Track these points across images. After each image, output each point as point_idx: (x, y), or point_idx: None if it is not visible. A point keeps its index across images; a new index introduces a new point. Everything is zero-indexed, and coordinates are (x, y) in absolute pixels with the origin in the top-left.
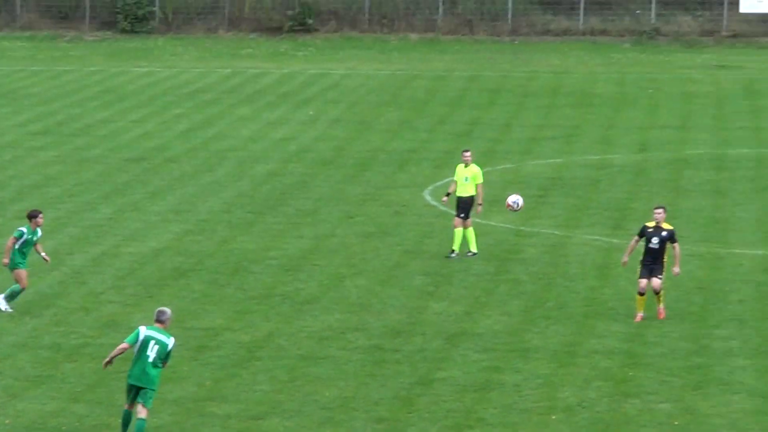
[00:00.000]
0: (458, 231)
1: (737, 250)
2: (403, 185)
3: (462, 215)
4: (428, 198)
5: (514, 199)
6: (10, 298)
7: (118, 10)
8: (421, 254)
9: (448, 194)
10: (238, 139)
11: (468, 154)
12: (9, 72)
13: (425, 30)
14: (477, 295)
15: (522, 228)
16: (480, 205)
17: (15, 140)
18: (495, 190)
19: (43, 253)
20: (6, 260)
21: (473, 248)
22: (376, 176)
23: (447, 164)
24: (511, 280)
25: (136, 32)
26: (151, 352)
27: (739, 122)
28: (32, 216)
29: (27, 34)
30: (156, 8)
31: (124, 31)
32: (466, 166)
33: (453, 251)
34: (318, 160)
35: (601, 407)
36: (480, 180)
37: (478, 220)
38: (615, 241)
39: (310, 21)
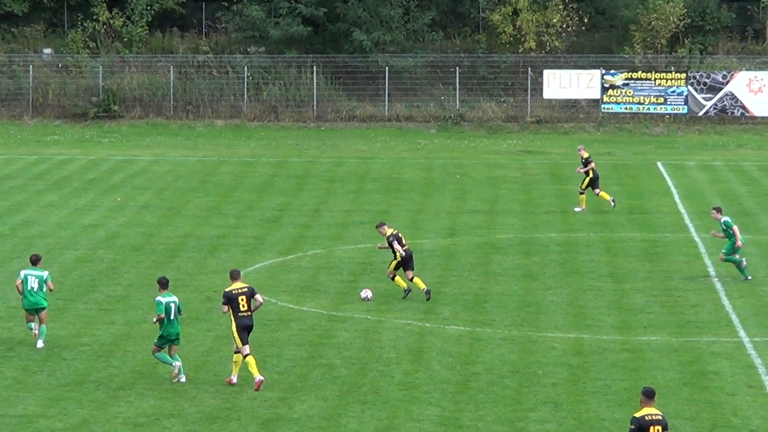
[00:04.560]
0: None
1: (549, 334)
2: (213, 271)
3: None
4: None
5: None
6: None
7: None
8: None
9: None
10: (46, 225)
11: None
12: None
13: (231, 116)
14: (291, 381)
15: (334, 313)
16: None
17: None
18: (305, 275)
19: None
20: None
21: None
22: (186, 262)
23: (257, 250)
24: (325, 364)
25: None
26: None
27: (547, 207)
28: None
29: None
30: None
31: None
32: None
33: None
34: (127, 246)
35: None
36: None
37: (290, 305)
38: (428, 325)
39: (116, 107)
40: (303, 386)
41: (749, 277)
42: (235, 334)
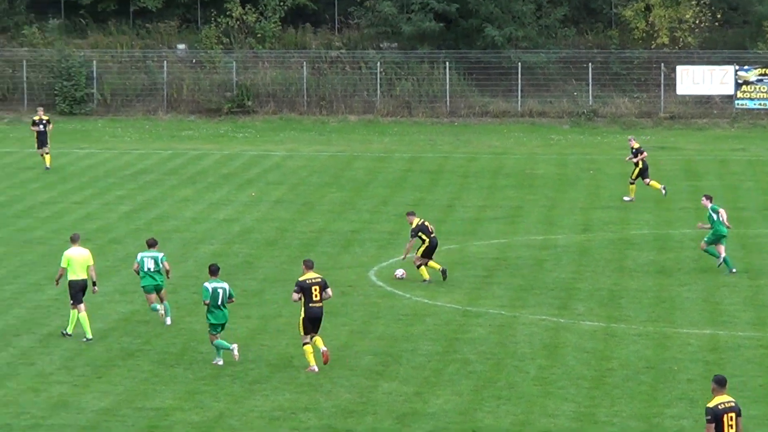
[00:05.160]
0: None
1: (684, 330)
2: (348, 266)
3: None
4: (374, 278)
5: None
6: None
7: (56, 92)
8: (368, 334)
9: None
10: (181, 220)
11: None
12: None
13: (364, 112)
14: (426, 375)
15: (469, 308)
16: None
17: None
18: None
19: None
20: None
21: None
22: (321, 257)
23: (391, 245)
24: (460, 359)
25: (74, 114)
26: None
27: (681, 203)
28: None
29: None
30: (94, 90)
31: (62, 113)
32: None
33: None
34: (262, 240)
35: None
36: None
37: (425, 300)
38: (562, 320)
39: (249, 103)
40: (438, 381)
41: (734, 270)
42: (301, 325)
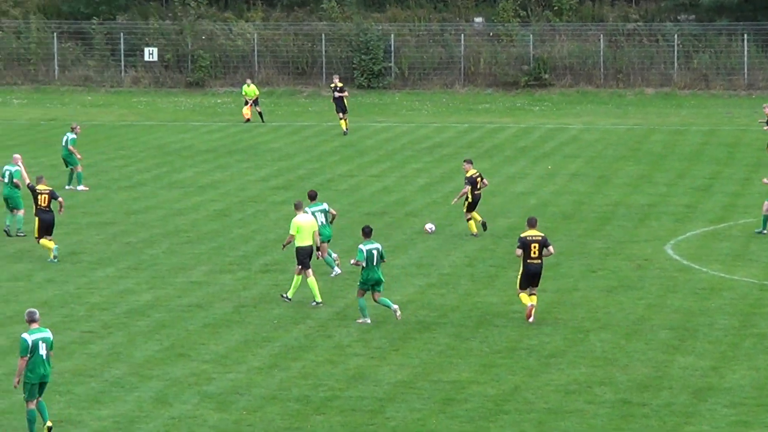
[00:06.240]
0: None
1: None
2: (644, 239)
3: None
4: (670, 252)
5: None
6: None
7: (354, 66)
8: (664, 308)
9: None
10: None
11: None
12: (250, 127)
13: (661, 84)
14: (723, 350)
15: (766, 282)
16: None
17: (257, 195)
18: (737, 244)
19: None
20: None
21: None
22: (617, 230)
23: (688, 218)
24: (757, 334)
25: (372, 88)
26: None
27: None
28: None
29: (265, 89)
30: (392, 64)
31: (360, 86)
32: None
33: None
34: (558, 214)
35: None
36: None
37: (722, 274)
38: None
39: (546, 76)
40: (735, 355)
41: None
42: (520, 279)
